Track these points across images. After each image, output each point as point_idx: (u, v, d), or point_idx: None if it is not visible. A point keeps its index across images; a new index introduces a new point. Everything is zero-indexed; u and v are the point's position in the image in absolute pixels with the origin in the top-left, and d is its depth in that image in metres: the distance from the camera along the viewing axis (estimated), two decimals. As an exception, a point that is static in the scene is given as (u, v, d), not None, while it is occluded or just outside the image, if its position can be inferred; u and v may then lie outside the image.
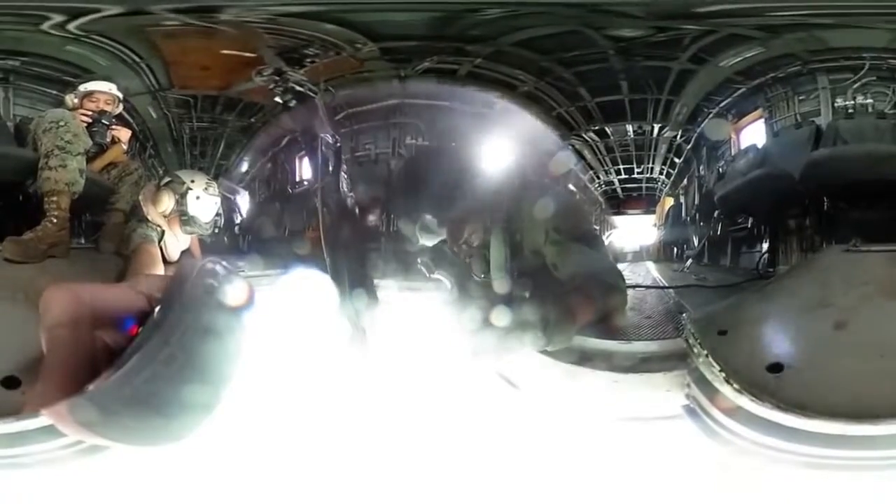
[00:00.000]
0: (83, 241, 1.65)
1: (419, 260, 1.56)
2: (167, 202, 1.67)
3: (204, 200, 1.68)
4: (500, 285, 1.49)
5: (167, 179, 1.69)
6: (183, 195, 1.67)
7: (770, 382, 1.30)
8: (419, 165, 1.70)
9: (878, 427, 1.24)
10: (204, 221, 1.69)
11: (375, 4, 1.61)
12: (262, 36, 1.62)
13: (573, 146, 1.67)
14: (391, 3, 1.62)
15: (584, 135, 1.67)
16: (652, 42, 1.58)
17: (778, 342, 1.37)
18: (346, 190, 1.72)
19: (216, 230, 1.72)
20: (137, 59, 1.65)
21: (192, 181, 1.68)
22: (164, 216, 1.68)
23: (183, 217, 1.67)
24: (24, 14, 1.55)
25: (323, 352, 1.56)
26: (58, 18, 1.55)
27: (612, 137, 1.67)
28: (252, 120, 1.73)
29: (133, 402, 1.15)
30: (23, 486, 1.40)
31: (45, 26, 1.56)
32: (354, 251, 1.65)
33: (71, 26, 1.57)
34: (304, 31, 1.63)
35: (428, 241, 1.57)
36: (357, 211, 1.75)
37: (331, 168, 1.70)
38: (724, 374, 1.32)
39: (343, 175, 1.72)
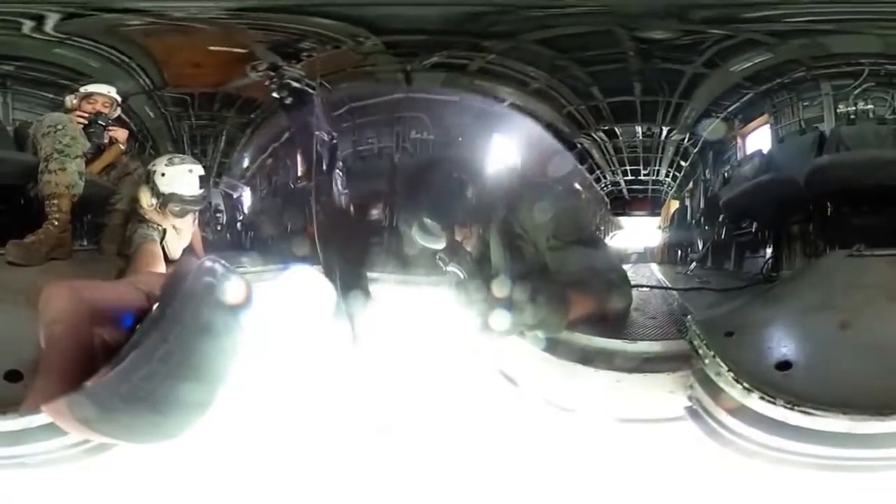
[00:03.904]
0: (85, 243, 1.65)
1: (437, 255, 1.55)
2: (146, 195, 1.64)
3: (171, 173, 1.63)
4: (500, 288, 1.48)
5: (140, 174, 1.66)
6: (148, 180, 1.64)
7: (779, 380, 1.32)
8: (418, 172, 1.69)
9: (884, 424, 1.25)
10: (187, 194, 1.63)
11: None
12: (247, 31, 1.60)
13: (582, 144, 1.67)
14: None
15: (593, 134, 1.67)
16: (674, 45, 1.59)
17: (784, 342, 1.38)
18: (340, 188, 1.71)
19: (210, 206, 1.69)
20: (127, 60, 1.64)
21: (154, 162, 1.64)
22: (156, 210, 1.64)
23: (161, 199, 1.63)
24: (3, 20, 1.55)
25: (319, 350, 1.55)
26: (31, 23, 1.55)
27: (620, 138, 1.67)
28: (251, 116, 1.71)
29: (130, 399, 1.13)
30: (25, 486, 1.39)
31: (24, 30, 1.56)
32: (348, 251, 1.64)
33: (47, 29, 1.56)
34: (298, 26, 1.61)
35: (431, 245, 1.56)
36: (352, 209, 1.74)
37: (325, 167, 1.68)
38: (732, 374, 1.33)
39: (338, 173, 1.70)
